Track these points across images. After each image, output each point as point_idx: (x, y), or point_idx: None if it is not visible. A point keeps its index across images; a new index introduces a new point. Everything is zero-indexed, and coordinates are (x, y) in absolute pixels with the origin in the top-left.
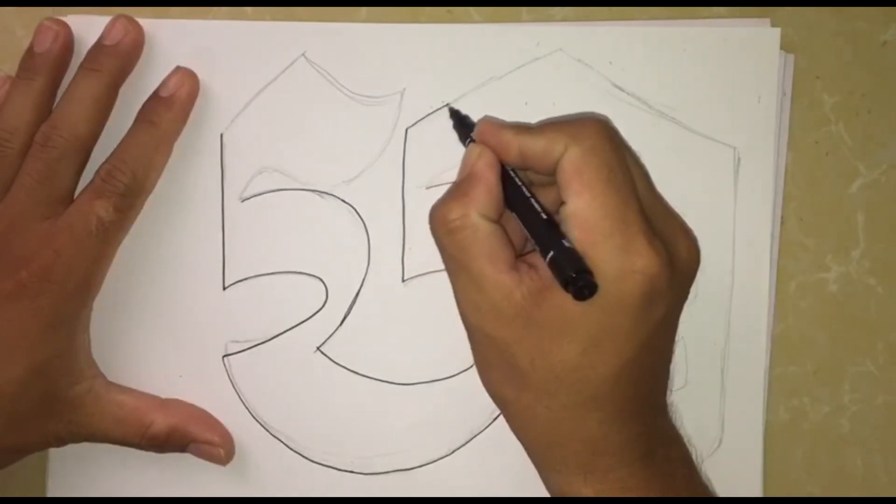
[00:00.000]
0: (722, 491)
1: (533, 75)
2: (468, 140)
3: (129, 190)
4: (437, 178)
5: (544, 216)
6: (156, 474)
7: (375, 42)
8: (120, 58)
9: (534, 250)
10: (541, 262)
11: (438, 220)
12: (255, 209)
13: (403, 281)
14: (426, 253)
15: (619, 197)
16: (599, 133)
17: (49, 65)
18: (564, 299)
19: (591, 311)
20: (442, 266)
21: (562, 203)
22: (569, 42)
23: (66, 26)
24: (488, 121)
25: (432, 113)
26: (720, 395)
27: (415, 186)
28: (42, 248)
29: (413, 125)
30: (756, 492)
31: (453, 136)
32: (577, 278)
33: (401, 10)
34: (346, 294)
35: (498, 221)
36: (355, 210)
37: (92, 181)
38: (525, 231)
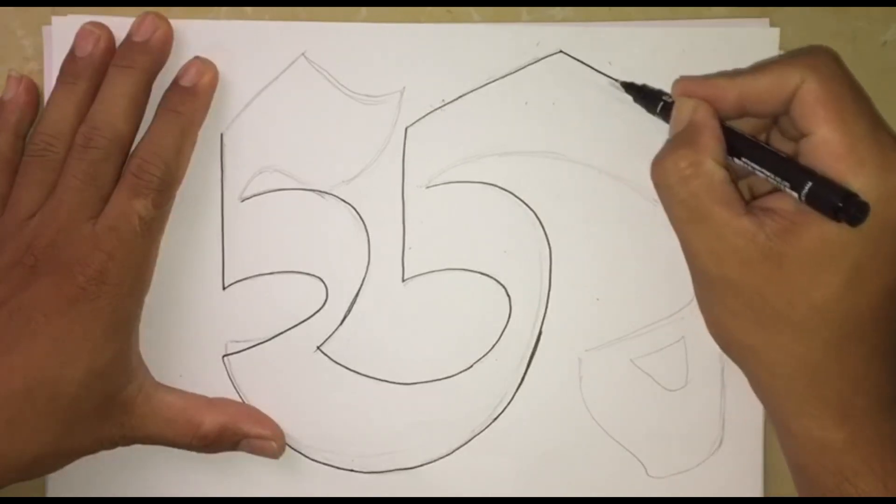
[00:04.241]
0: (722, 491)
1: (533, 75)
2: (660, 104)
3: (163, 183)
4: (437, 177)
5: (783, 154)
6: (155, 474)
7: (375, 42)
8: (152, 54)
9: (757, 197)
10: (778, 204)
11: (669, 169)
12: (255, 209)
13: (403, 281)
14: (426, 253)
15: (869, 120)
16: (836, 61)
17: (91, 69)
18: (822, 232)
19: (854, 240)
20: (442, 266)
21: (801, 136)
22: (569, 42)
23: (107, 30)
24: (689, 77)
25: (432, 112)
26: (720, 395)
27: (415, 186)
28: (94, 252)
29: (413, 124)
30: (756, 492)
31: (454, 135)
32: (848, 204)
33: (401, 10)
34: (346, 294)
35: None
36: (355, 210)
37: (124, 176)
38: (763, 174)
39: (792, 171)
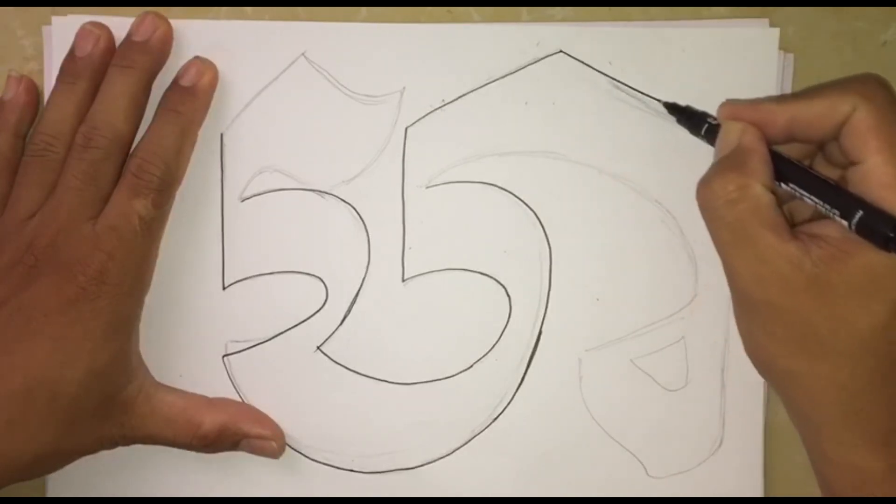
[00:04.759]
0: (722, 491)
1: (533, 75)
2: (705, 126)
3: (163, 183)
4: (437, 177)
5: (832, 182)
6: (155, 474)
7: (375, 42)
8: (152, 53)
9: (803, 222)
10: (824, 230)
11: (717, 192)
12: (255, 209)
13: (403, 281)
14: (426, 253)
15: None
16: (887, 89)
17: (91, 69)
18: (869, 261)
19: None
20: (442, 266)
21: (850, 164)
22: (569, 42)
23: (107, 30)
24: (736, 100)
25: (432, 112)
26: (720, 395)
27: (415, 186)
28: (94, 252)
29: (413, 124)
30: (756, 492)
31: (454, 135)
32: None
33: (401, 10)
34: (346, 294)
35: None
36: (355, 210)
37: (124, 176)
38: (811, 200)
39: (842, 199)
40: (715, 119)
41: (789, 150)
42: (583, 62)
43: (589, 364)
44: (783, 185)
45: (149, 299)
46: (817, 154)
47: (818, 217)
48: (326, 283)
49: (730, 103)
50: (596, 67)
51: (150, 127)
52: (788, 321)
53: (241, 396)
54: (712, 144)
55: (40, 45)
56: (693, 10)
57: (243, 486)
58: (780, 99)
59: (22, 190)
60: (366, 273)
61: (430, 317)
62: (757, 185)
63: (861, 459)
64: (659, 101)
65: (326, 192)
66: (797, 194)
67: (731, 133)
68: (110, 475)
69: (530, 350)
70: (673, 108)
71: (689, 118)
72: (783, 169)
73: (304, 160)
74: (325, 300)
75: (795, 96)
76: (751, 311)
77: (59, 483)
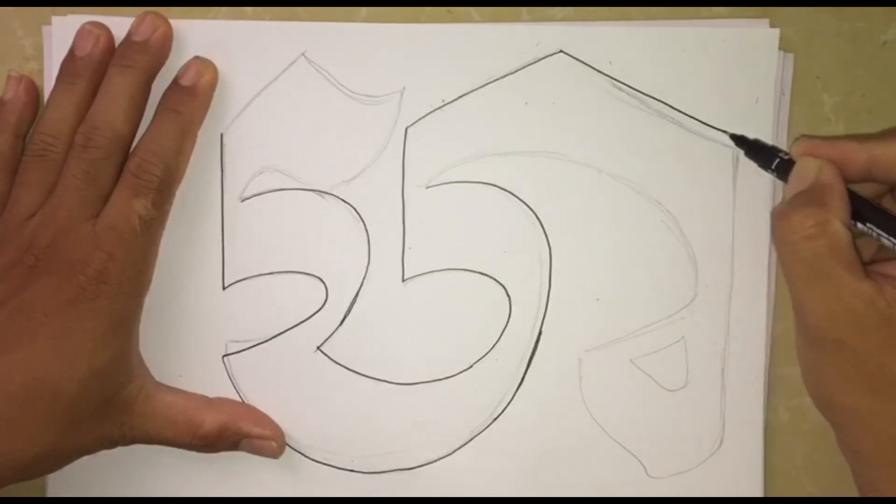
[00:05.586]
0: (722, 491)
1: (533, 75)
2: (776, 160)
3: (163, 183)
4: (437, 177)
5: None
6: (155, 474)
7: (375, 42)
8: (151, 53)
9: (871, 262)
10: None
11: (796, 226)
12: (255, 209)
13: (403, 281)
14: (426, 253)
15: None
16: None
17: (90, 68)
18: None
19: None
20: (442, 266)
21: None
22: (569, 42)
23: (106, 30)
24: (812, 137)
25: (432, 112)
26: (720, 395)
27: (415, 186)
28: (94, 251)
29: (413, 124)
30: (756, 492)
31: (454, 135)
32: None
33: (401, 10)
34: (346, 294)
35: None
36: (355, 210)
37: (123, 176)
38: (888, 241)
39: None
40: (787, 154)
41: (859, 189)
42: (583, 62)
43: (589, 364)
44: (858, 224)
45: (149, 299)
46: (886, 194)
47: (886, 257)
48: (326, 283)
49: (806, 139)
50: (596, 67)
51: (149, 127)
52: (858, 359)
53: (241, 396)
54: (782, 179)
55: (40, 45)
56: (693, 10)
57: (243, 486)
58: (860, 138)
59: (22, 190)
60: (366, 273)
61: (430, 317)
62: (836, 222)
63: None
64: (725, 132)
65: (326, 192)
66: (873, 234)
67: (808, 169)
68: (110, 475)
69: (530, 350)
70: (740, 141)
71: (758, 152)
72: (859, 208)
73: (304, 160)
74: (325, 300)
75: (875, 137)
76: (819, 347)
77: (59, 483)
